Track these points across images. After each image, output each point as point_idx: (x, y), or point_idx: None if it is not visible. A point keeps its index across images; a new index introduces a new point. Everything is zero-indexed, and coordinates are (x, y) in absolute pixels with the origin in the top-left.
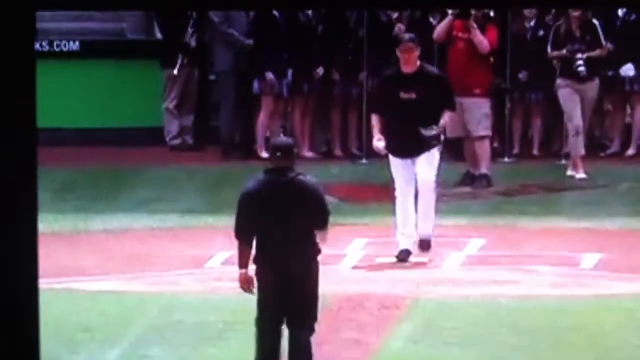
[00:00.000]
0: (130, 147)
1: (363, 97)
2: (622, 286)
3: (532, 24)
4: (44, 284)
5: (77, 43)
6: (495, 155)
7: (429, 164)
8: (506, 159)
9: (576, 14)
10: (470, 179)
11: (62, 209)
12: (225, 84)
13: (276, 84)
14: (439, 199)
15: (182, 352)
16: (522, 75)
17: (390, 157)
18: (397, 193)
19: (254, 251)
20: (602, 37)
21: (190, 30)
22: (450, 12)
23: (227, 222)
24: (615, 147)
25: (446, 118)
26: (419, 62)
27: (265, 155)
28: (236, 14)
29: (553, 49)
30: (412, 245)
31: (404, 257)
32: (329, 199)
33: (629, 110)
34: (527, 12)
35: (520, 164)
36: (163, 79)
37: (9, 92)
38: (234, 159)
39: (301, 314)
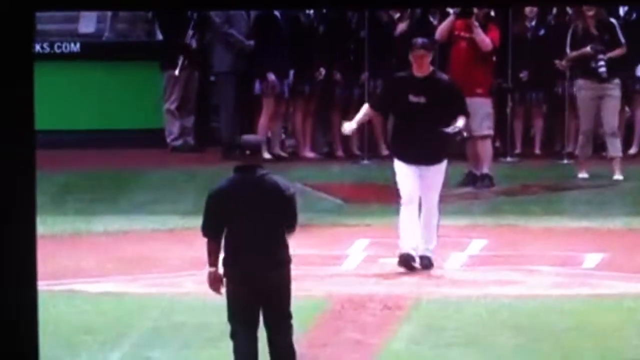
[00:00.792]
0: (130, 149)
1: (364, 97)
2: (624, 286)
3: (533, 23)
4: (44, 286)
5: (77, 44)
6: (497, 154)
7: (434, 182)
8: (508, 159)
9: (590, 12)
10: (472, 179)
11: (62, 211)
12: (225, 85)
13: (277, 85)
14: (441, 200)
15: (183, 354)
16: (523, 75)
17: (395, 161)
18: (402, 202)
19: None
20: (620, 36)
21: (190, 31)
22: (451, 11)
23: None
24: None
25: (462, 120)
26: (431, 67)
27: (267, 155)
28: (237, 15)
29: (572, 50)
30: (415, 253)
31: (406, 262)
32: (332, 199)
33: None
34: (527, 11)
35: (522, 163)
36: (163, 80)
37: (7, 94)
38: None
39: (276, 315)
